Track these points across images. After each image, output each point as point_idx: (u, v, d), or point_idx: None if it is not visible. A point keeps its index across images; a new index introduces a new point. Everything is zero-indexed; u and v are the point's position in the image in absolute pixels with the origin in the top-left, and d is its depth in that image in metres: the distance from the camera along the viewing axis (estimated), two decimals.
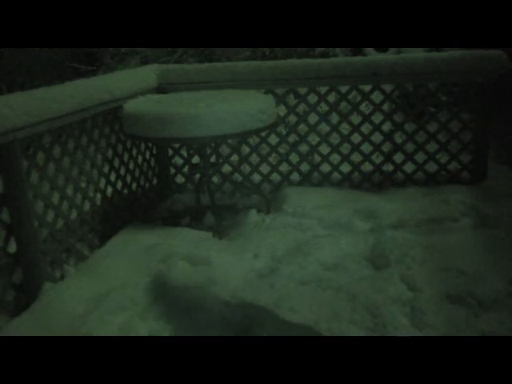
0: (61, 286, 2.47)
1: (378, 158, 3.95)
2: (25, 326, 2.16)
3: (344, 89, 3.79)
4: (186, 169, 4.06)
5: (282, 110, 3.81)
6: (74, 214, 2.88)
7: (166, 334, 2.26)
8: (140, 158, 3.70)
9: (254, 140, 4.00)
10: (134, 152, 3.62)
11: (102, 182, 3.21)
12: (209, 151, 3.71)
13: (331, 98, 3.86)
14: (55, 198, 2.72)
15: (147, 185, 3.81)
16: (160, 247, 2.80)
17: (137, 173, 3.64)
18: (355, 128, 3.83)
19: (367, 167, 3.92)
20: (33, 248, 2.45)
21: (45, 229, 2.62)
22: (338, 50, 6.40)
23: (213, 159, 3.92)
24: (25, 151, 2.48)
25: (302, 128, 3.93)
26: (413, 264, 2.62)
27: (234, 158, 4.04)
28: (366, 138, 3.84)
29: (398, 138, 3.93)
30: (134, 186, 3.59)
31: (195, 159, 4.04)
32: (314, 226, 3.15)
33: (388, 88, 3.78)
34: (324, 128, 3.91)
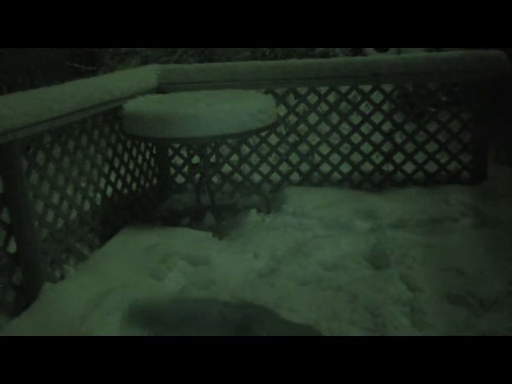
0: (61, 286, 2.47)
1: (377, 158, 3.95)
2: (25, 325, 2.16)
3: (344, 89, 3.79)
4: (186, 169, 4.06)
5: (282, 110, 3.81)
6: (73, 214, 2.88)
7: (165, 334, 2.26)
8: (140, 158, 3.70)
9: (254, 140, 4.00)
10: (134, 152, 3.62)
11: (102, 182, 3.21)
12: (209, 151, 3.71)
13: (331, 97, 3.86)
14: (55, 198, 2.72)
15: (147, 185, 3.81)
16: (160, 247, 2.80)
17: (137, 173, 3.64)
18: (355, 128, 3.83)
19: (367, 167, 3.92)
20: (33, 248, 2.45)
21: (45, 229, 2.62)
22: (338, 49, 6.39)
23: (213, 159, 3.92)
24: (25, 151, 2.48)
25: (302, 128, 3.93)
26: (413, 264, 2.62)
27: (234, 158, 4.04)
28: (365, 138, 3.84)
29: (398, 138, 3.93)
30: (133, 186, 3.59)
31: (195, 159, 4.04)
32: (313, 225, 3.16)
33: (388, 88, 3.78)
34: (324, 128, 3.91)
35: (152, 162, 3.90)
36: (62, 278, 2.69)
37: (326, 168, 3.94)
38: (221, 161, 3.99)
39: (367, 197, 3.54)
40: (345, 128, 3.89)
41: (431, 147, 3.83)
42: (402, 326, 2.20)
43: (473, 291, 2.34)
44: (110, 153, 3.30)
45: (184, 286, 2.52)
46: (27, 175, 2.46)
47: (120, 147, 3.42)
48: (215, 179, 4.00)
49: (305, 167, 3.97)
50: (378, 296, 2.36)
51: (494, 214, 3.09)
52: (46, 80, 6.67)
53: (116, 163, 3.37)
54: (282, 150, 3.98)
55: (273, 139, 3.90)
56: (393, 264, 2.63)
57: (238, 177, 4.05)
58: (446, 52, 3.69)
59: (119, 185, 3.40)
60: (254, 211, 3.41)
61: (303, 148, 3.98)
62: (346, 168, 3.93)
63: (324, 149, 3.90)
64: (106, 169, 3.25)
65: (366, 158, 3.88)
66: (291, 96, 3.85)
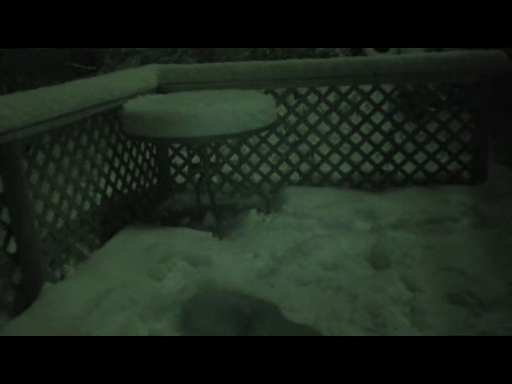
0: (61, 285, 2.47)
1: (377, 158, 3.95)
2: (25, 325, 2.16)
3: (344, 89, 3.79)
4: (186, 169, 4.06)
5: (282, 110, 3.81)
6: (73, 214, 2.89)
7: (166, 334, 2.26)
8: (140, 158, 3.70)
9: (253, 140, 4.00)
10: (134, 152, 3.62)
11: (102, 182, 3.21)
12: (209, 151, 3.71)
13: (331, 97, 3.86)
14: (55, 198, 2.72)
15: (147, 185, 3.81)
16: (160, 247, 2.80)
17: (137, 173, 3.64)
18: (355, 128, 3.83)
19: (367, 167, 3.92)
20: (33, 248, 2.45)
21: (45, 229, 2.62)
22: (338, 49, 6.40)
23: (213, 159, 3.92)
24: (25, 151, 2.48)
25: (302, 128, 3.93)
26: (413, 264, 2.62)
27: (234, 158, 4.04)
28: (365, 138, 3.84)
29: (398, 138, 3.93)
30: (133, 186, 3.59)
31: (195, 159, 4.04)
32: (314, 226, 3.16)
33: (388, 88, 3.78)
34: (324, 128, 3.91)
35: (152, 162, 3.90)
36: (62, 277, 2.69)
37: (325, 168, 3.94)
38: (221, 161, 3.99)
39: (367, 197, 3.54)
40: (345, 128, 3.89)
41: (431, 147, 3.83)
42: (401, 326, 2.20)
43: (473, 291, 2.34)
44: (110, 153, 3.30)
45: (184, 285, 2.52)
46: (27, 175, 2.46)
47: (120, 147, 3.42)
48: (215, 179, 4.00)
49: (305, 167, 3.97)
50: (378, 296, 2.36)
51: (494, 214, 3.08)
52: (46, 80, 6.67)
53: (116, 163, 3.37)
54: (282, 150, 3.98)
55: (273, 139, 3.90)
56: (393, 264, 2.63)
57: (238, 177, 4.05)
58: (445, 52, 3.69)
59: (119, 185, 3.40)
60: (254, 211, 3.41)
61: (303, 148, 3.98)
62: (346, 168, 3.93)
63: (324, 149, 3.90)
64: (106, 169, 3.25)
65: (366, 158, 3.88)
66: (291, 96, 3.85)
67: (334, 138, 3.91)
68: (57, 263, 2.69)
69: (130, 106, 3.11)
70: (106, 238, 3.05)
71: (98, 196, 3.16)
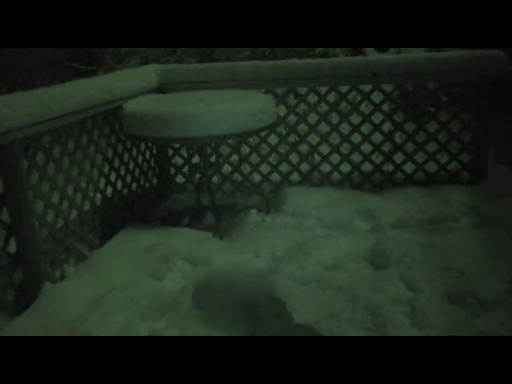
0: (61, 285, 2.47)
1: (377, 158, 3.95)
2: (25, 325, 2.16)
3: (344, 89, 3.79)
4: (186, 169, 4.06)
5: (282, 110, 3.81)
6: (73, 214, 2.89)
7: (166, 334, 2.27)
8: (140, 158, 3.70)
9: (253, 140, 4.00)
10: (134, 152, 3.62)
11: (102, 182, 3.21)
12: (209, 151, 3.71)
13: (331, 97, 3.86)
14: (55, 198, 2.72)
15: (147, 185, 3.81)
16: (160, 247, 2.80)
17: (137, 173, 3.64)
18: (355, 128, 3.83)
19: (367, 167, 3.92)
20: (33, 248, 2.45)
21: (45, 229, 2.62)
22: (338, 49, 6.40)
23: (213, 159, 3.92)
24: (25, 151, 2.48)
25: (302, 128, 3.93)
26: (413, 264, 2.62)
27: (234, 158, 4.04)
28: (365, 138, 3.84)
29: (398, 138, 3.93)
30: (133, 186, 3.59)
31: (195, 159, 4.04)
32: (313, 226, 3.16)
33: (388, 88, 3.78)
34: (324, 128, 3.91)
35: (152, 162, 3.90)
36: (62, 277, 2.69)
37: (325, 168, 3.94)
38: (221, 161, 3.99)
39: (367, 197, 3.54)
40: (345, 128, 3.89)
41: (431, 147, 3.83)
42: (401, 326, 2.20)
43: (473, 291, 2.34)
44: (110, 153, 3.30)
45: (184, 285, 2.52)
46: (27, 175, 2.46)
47: (120, 147, 3.42)
48: (215, 179, 4.00)
49: (305, 167, 3.97)
50: (378, 296, 2.36)
51: (494, 214, 3.09)
52: (46, 80, 6.67)
53: (116, 163, 3.37)
54: (282, 150, 3.98)
55: (273, 139, 3.90)
56: (393, 264, 2.63)
57: (238, 177, 4.05)
58: (445, 52, 3.69)
59: (119, 185, 3.40)
60: (254, 211, 3.41)
61: (303, 148, 3.98)
62: (346, 168, 3.93)
63: (324, 149, 3.90)
64: (106, 169, 3.25)
65: (366, 158, 3.88)
66: (291, 96, 3.85)
67: (334, 138, 3.91)
68: (57, 263, 2.69)
69: (130, 105, 3.11)
70: (106, 238, 3.05)
71: (98, 196, 3.16)
